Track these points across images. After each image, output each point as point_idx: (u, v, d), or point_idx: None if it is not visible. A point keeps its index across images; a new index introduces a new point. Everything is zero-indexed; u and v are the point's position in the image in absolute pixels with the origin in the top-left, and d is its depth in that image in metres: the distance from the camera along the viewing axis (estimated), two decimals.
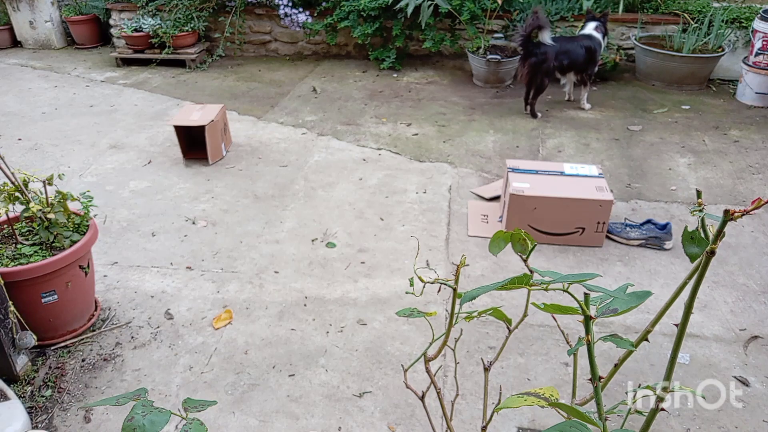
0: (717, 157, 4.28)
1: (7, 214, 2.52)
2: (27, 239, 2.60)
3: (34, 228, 2.62)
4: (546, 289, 0.98)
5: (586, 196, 3.21)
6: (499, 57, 5.50)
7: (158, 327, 2.76)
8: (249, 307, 2.88)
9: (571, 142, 4.53)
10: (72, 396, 2.39)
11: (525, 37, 4.66)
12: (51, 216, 2.48)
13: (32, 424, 2.21)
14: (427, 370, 1.18)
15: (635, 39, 5.70)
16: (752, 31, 5.16)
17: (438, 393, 1.22)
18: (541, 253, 3.22)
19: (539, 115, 4.93)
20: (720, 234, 0.84)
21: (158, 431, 0.88)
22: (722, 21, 5.48)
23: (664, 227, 3.26)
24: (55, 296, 2.50)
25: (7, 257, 2.47)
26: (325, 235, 3.42)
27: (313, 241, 3.37)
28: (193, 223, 3.56)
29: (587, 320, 0.95)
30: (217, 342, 2.66)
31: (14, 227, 2.61)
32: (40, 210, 2.46)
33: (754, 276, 3.06)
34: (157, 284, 3.04)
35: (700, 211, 0.91)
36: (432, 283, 1.08)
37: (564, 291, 0.98)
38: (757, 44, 5.04)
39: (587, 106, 5.10)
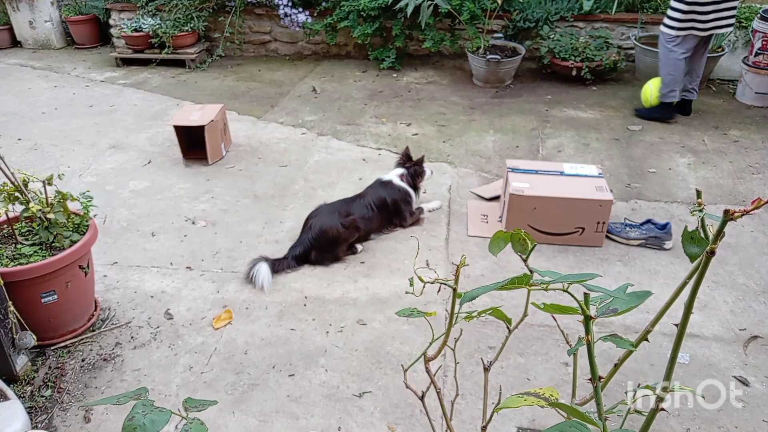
0: (717, 157, 4.28)
1: (6, 214, 2.52)
2: (27, 239, 2.59)
3: (33, 228, 2.62)
4: (546, 289, 0.98)
5: (585, 195, 3.21)
6: (498, 57, 5.50)
7: (158, 327, 2.76)
8: (249, 307, 2.87)
9: (571, 142, 4.53)
10: (72, 396, 2.39)
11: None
12: (51, 216, 2.48)
13: (32, 424, 2.21)
14: (427, 370, 1.18)
15: (635, 39, 5.70)
16: (752, 31, 5.16)
17: (438, 393, 1.22)
18: (541, 253, 3.22)
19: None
20: (720, 234, 0.84)
21: (158, 431, 0.88)
22: None
23: (664, 227, 3.26)
24: (55, 296, 2.50)
25: (6, 257, 2.47)
26: None
27: None
28: (193, 223, 3.56)
29: (587, 320, 0.95)
30: (217, 342, 2.66)
31: (14, 227, 2.61)
32: (40, 210, 2.46)
33: (754, 276, 3.06)
34: (156, 284, 3.04)
35: (700, 211, 0.91)
36: (432, 283, 1.08)
37: (564, 291, 0.98)
38: (757, 44, 5.04)
39: None
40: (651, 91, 4.84)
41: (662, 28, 4.50)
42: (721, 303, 2.86)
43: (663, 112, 4.76)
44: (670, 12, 4.43)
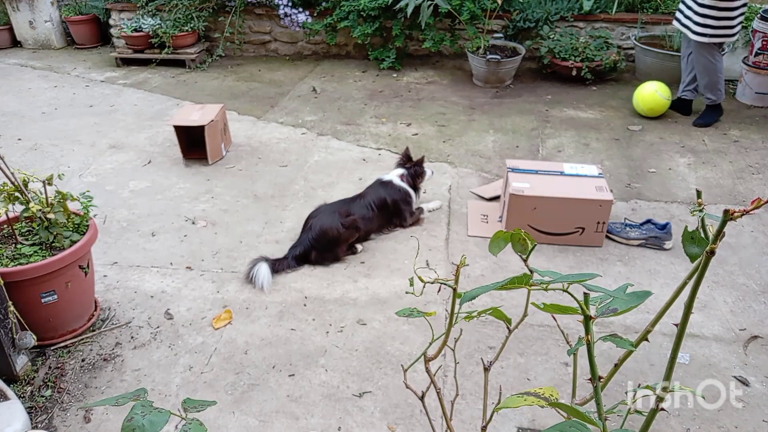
0: (717, 157, 4.28)
1: (6, 214, 2.52)
2: (27, 239, 2.59)
3: (33, 228, 2.62)
4: (546, 289, 0.98)
5: (585, 196, 3.21)
6: (498, 57, 5.50)
7: (158, 327, 2.76)
8: (249, 307, 2.87)
9: (571, 142, 4.53)
10: (72, 396, 2.39)
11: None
12: (51, 216, 2.48)
13: (32, 424, 2.21)
14: (427, 370, 1.18)
15: (635, 39, 5.70)
16: (752, 31, 5.16)
17: (438, 393, 1.22)
18: (541, 253, 3.22)
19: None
20: (720, 234, 0.84)
21: (158, 431, 0.88)
22: None
23: (664, 227, 3.26)
24: (55, 296, 2.49)
25: (6, 257, 2.47)
26: None
27: None
28: (193, 223, 3.56)
29: (587, 320, 0.95)
30: (217, 342, 2.66)
31: (14, 227, 2.61)
32: (40, 210, 2.46)
33: (754, 276, 3.06)
34: (156, 284, 3.04)
35: (700, 211, 0.91)
36: (432, 283, 1.08)
37: (564, 291, 0.98)
38: (757, 44, 5.04)
39: None
40: (638, 104, 4.86)
41: (701, 39, 4.40)
42: (721, 303, 2.86)
43: (719, 112, 4.79)
44: (704, 20, 4.33)
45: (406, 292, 2.90)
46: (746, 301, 2.88)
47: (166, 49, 6.26)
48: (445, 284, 1.06)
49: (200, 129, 4.10)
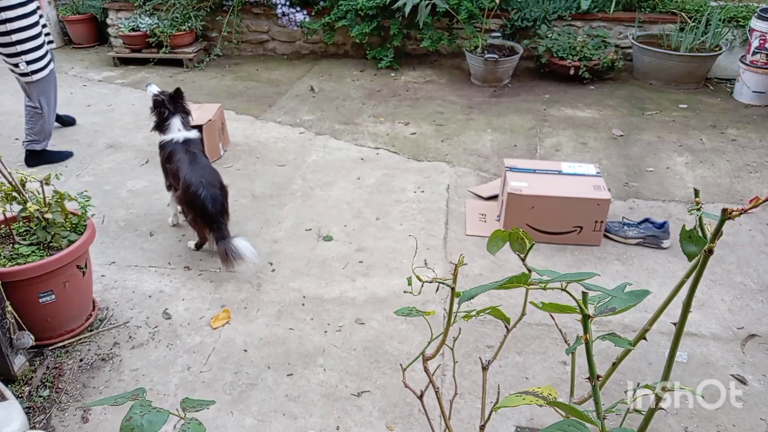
0: (714, 155, 4.29)
1: (4, 214, 2.51)
2: (24, 239, 2.59)
3: (31, 228, 2.61)
4: (544, 288, 0.98)
5: (583, 195, 3.22)
6: (496, 56, 5.50)
7: (156, 327, 2.75)
8: (247, 306, 2.87)
9: (569, 141, 4.53)
10: (70, 396, 2.39)
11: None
12: (48, 216, 2.47)
13: (30, 424, 2.20)
14: (426, 369, 1.18)
15: (633, 38, 5.71)
16: (749, 30, 5.17)
17: (436, 392, 1.22)
18: (539, 252, 3.23)
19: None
20: (718, 233, 0.84)
21: (156, 431, 0.88)
22: (719, 20, 5.49)
23: (662, 226, 3.26)
24: (53, 296, 2.49)
25: (4, 257, 2.47)
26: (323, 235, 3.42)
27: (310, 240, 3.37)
28: None
29: (585, 319, 0.95)
30: (215, 342, 2.66)
31: (11, 227, 2.60)
32: (38, 210, 2.45)
33: (752, 274, 3.06)
34: (154, 284, 3.03)
35: (698, 209, 0.91)
36: (430, 282, 1.08)
37: (562, 290, 0.98)
38: (755, 43, 5.05)
39: None
40: None
41: None
42: (719, 302, 2.87)
43: None
44: None
45: (405, 292, 2.90)
46: (744, 299, 2.89)
47: (163, 49, 6.25)
48: (443, 283, 1.06)
49: (198, 128, 4.09)
